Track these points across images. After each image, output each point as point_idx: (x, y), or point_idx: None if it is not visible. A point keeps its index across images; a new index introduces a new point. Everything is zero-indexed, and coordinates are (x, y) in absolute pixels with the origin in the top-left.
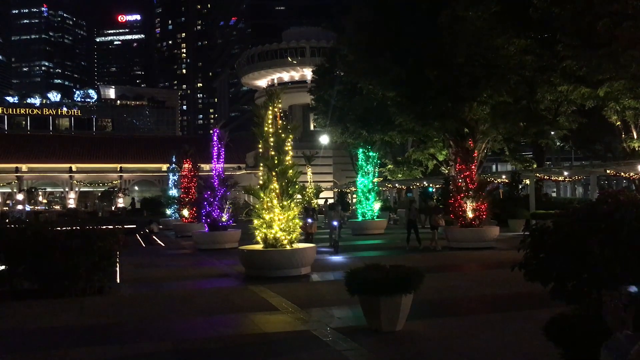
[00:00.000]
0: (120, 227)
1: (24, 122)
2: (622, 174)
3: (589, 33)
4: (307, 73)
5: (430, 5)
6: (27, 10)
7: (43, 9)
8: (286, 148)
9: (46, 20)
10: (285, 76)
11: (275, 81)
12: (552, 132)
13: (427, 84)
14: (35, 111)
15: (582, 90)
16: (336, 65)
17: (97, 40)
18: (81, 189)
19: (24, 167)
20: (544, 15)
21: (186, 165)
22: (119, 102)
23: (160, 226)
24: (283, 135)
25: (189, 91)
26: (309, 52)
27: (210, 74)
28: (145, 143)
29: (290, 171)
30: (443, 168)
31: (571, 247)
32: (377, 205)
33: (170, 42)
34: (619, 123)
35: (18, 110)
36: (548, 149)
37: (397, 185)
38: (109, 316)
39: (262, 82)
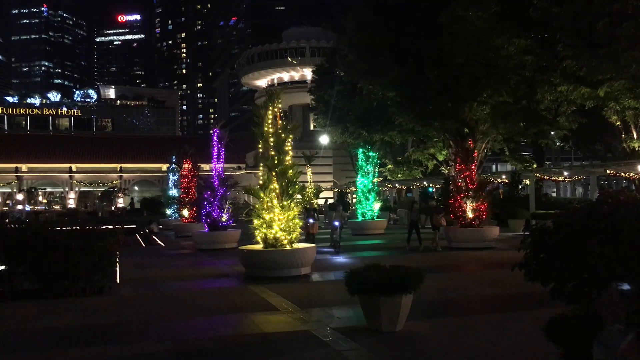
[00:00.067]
0: (120, 227)
1: (23, 122)
2: (622, 174)
3: (589, 33)
4: (307, 73)
5: (430, 5)
6: (27, 10)
7: (43, 9)
8: (286, 148)
9: (46, 20)
10: (285, 76)
11: (275, 81)
12: (552, 132)
13: (427, 84)
14: (35, 111)
15: (582, 90)
16: (336, 65)
17: (97, 40)
18: (81, 189)
19: (23, 167)
20: (544, 15)
21: (186, 165)
22: (118, 102)
23: (160, 226)
24: (283, 135)
25: (189, 91)
26: (309, 52)
27: (210, 74)
28: (145, 143)
29: (290, 171)
30: (443, 168)
31: (571, 247)
32: (377, 205)
33: (170, 42)
34: (619, 123)
35: (18, 110)
36: (548, 149)
37: (397, 185)
38: (109, 316)
39: (262, 82)
